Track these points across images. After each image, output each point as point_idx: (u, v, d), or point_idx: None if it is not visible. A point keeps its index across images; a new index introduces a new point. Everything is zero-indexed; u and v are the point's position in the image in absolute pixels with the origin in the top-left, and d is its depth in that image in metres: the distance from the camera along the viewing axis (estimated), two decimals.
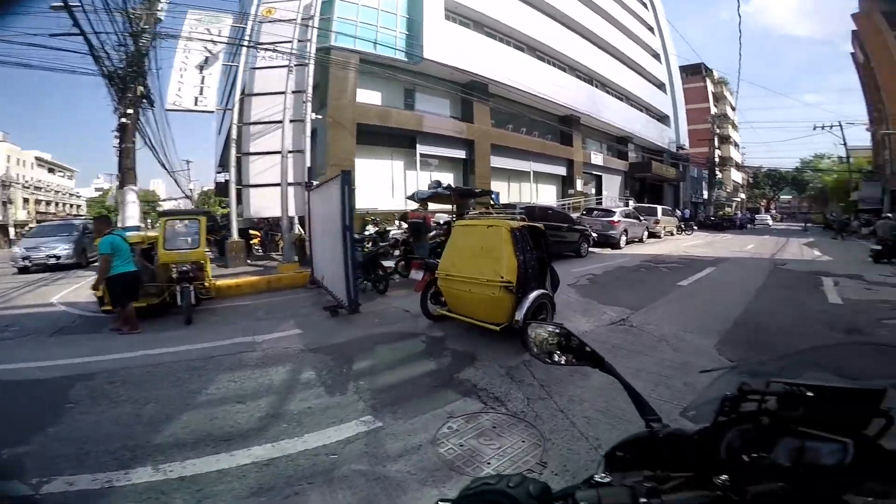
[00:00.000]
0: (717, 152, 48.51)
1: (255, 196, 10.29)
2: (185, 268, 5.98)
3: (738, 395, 0.70)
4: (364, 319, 5.77)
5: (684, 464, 0.70)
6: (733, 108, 55.19)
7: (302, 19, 10.64)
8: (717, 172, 48.72)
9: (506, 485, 0.58)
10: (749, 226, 37.01)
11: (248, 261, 11.27)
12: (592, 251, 13.49)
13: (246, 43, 10.65)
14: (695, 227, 24.44)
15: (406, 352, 4.55)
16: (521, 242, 4.41)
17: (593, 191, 25.72)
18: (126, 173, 9.01)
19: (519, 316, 4.19)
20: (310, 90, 10.43)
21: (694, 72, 47.56)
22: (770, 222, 40.71)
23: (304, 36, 10.63)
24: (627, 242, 15.75)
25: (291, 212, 9.73)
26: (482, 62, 17.68)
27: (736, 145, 53.82)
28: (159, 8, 9.46)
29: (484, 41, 18.59)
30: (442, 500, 0.60)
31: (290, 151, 9.89)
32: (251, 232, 13.64)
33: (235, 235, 10.68)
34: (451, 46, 16.47)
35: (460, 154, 18.10)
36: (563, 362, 0.95)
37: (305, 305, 6.80)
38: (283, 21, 10.57)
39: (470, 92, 17.65)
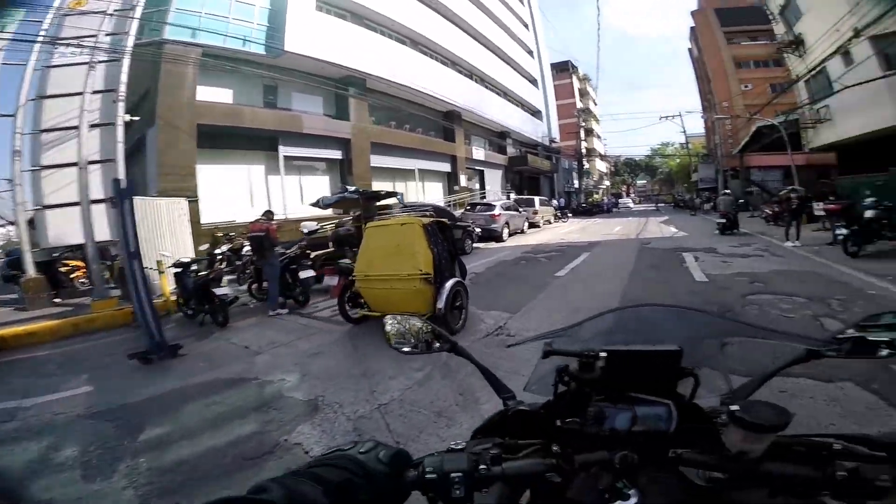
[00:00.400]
0: (584, 144, 53.96)
1: (53, 219, 7.97)
2: None
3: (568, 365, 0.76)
4: (185, 365, 4.56)
5: (535, 436, 0.74)
6: (595, 103, 61.96)
7: (119, 10, 8.64)
8: (585, 163, 54.23)
9: (357, 451, 0.61)
10: (614, 209, 41.63)
11: (58, 299, 8.85)
12: (477, 247, 13.44)
13: (41, 39, 8.32)
14: (569, 215, 26.47)
15: (226, 406, 3.50)
16: (433, 237, 4.75)
17: (477, 186, 26.32)
18: None
19: (440, 304, 4.53)
20: (123, 88, 8.42)
21: (562, 69, 51.21)
22: (631, 205, 46.53)
23: (122, 28, 8.66)
24: (510, 234, 16.10)
25: (104, 235, 7.68)
26: (359, 56, 16.66)
27: (599, 137, 60.33)
28: None
29: (362, 33, 17.54)
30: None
31: (94, 161, 7.82)
32: (70, 263, 10.85)
33: (31, 271, 8.22)
34: (322, 39, 15.18)
35: (335, 154, 16.85)
36: (419, 350, 0.95)
37: (116, 352, 5.23)
38: (94, 13, 8.45)
39: (345, 88, 16.49)
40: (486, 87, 27.73)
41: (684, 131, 38.04)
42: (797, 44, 15.12)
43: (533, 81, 36.41)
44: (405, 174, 20.79)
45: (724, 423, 0.61)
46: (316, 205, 9.69)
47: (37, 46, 8.53)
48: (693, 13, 37.09)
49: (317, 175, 16.73)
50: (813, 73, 14.23)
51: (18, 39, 8.71)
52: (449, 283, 4.68)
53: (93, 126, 8.01)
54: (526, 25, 36.66)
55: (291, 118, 15.20)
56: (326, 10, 16.24)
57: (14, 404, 3.78)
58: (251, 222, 6.81)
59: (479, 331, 4.90)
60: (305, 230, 8.47)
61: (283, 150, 15.05)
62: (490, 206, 16.03)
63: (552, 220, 23.62)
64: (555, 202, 29.09)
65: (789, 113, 16.96)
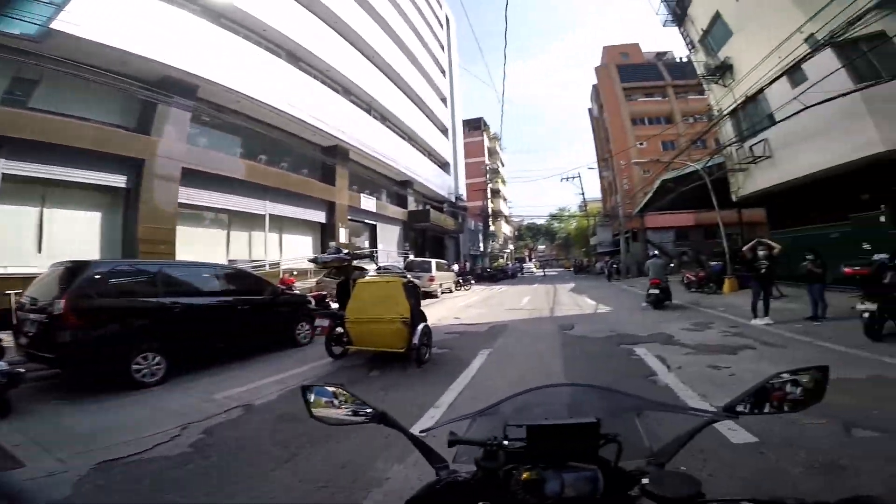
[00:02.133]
0: (491, 205, 53.18)
1: None
2: None
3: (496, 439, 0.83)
4: None
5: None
6: (503, 164, 62.85)
7: None
8: (491, 225, 53.18)
9: None
10: (519, 274, 39.67)
11: None
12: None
13: None
14: (472, 281, 22.75)
15: None
16: (410, 291, 6.24)
17: (366, 243, 21.67)
18: None
19: (416, 340, 5.82)
20: None
21: (474, 126, 50.60)
22: (534, 270, 45.22)
23: None
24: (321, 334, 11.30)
25: None
26: (189, 52, 11.76)
27: (505, 200, 60.54)
28: None
29: (198, 25, 12.61)
30: None
31: None
32: None
33: None
34: (132, 24, 10.34)
35: (114, 180, 10.94)
36: (347, 421, 0.96)
37: None
38: None
39: (155, 90, 11.17)
40: (389, 127, 24.16)
41: (582, 193, 38.11)
42: (723, 70, 13.22)
43: (444, 131, 34.19)
44: (251, 220, 15.29)
45: (636, 496, 0.66)
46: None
47: None
48: (596, 69, 38.93)
49: (77, 209, 10.60)
50: (738, 104, 12.21)
51: None
52: (420, 326, 5.99)
53: None
54: (443, 71, 35.08)
55: (31, 120, 9.34)
56: None
57: None
58: None
59: None
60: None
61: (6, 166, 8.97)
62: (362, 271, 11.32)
63: (453, 289, 19.60)
64: (457, 266, 25.53)
65: (713, 155, 15.00)
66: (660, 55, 41.23)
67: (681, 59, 41.19)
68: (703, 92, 34.77)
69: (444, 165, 33.66)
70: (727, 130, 14.06)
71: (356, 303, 6.09)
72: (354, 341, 6.09)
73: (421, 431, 1.05)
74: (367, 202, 21.08)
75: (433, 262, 17.88)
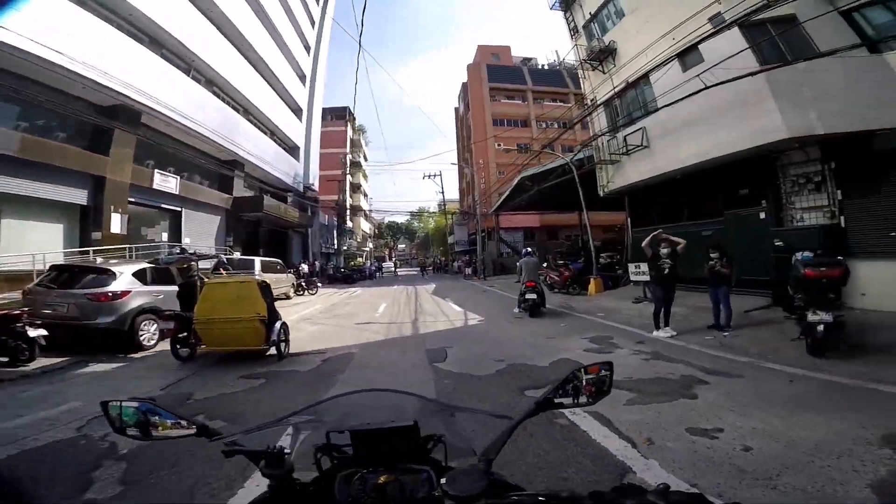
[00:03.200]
0: (349, 200, 48.80)
1: None
2: None
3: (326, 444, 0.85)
4: None
5: None
6: (366, 159, 58.64)
7: None
8: (349, 221, 48.88)
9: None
10: (378, 274, 36.70)
11: None
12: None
13: None
14: (319, 284, 18.76)
15: None
16: (264, 291, 6.13)
17: (165, 235, 15.85)
18: None
19: (274, 337, 5.96)
20: None
21: (338, 115, 45.98)
22: (394, 270, 42.16)
23: None
24: (164, 336, 7.17)
25: None
26: None
27: (366, 195, 56.64)
28: None
29: None
30: None
31: None
32: None
33: None
34: None
35: None
36: (160, 436, 0.87)
37: None
38: None
39: None
40: (217, 94, 18.59)
41: (442, 192, 37.00)
42: (606, 54, 12.11)
43: (297, 111, 28.96)
44: None
45: (441, 497, 0.68)
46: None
47: None
48: (468, 66, 39.41)
49: None
50: (617, 90, 11.40)
51: None
52: (277, 324, 6.14)
53: None
54: (308, 48, 29.75)
55: None
56: None
57: None
58: None
59: None
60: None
61: None
62: (102, 276, 6.86)
63: (291, 294, 15.47)
64: (305, 266, 21.17)
65: (584, 145, 13.98)
66: (525, 60, 43.55)
67: (542, 66, 44.35)
68: (557, 100, 37.84)
69: (292, 149, 28.56)
70: (600, 122, 13.25)
71: (206, 303, 5.95)
72: (206, 342, 6.04)
73: (222, 451, 0.89)
74: (165, 181, 15.28)
75: (257, 260, 13.65)
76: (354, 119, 53.24)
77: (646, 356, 5.37)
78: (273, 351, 6.09)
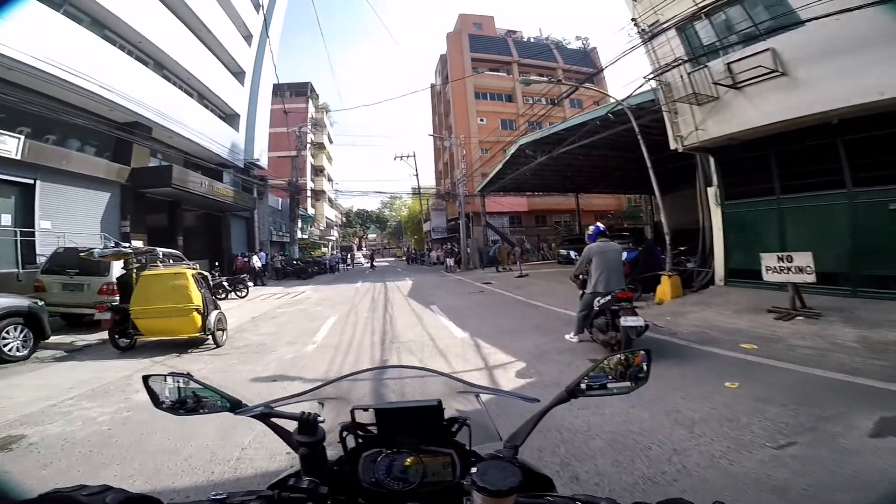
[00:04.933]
0: (311, 184, 43.19)
1: None
2: None
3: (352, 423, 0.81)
4: None
5: (333, 489, 0.73)
6: (331, 140, 52.77)
7: None
8: (311, 208, 43.34)
9: (80, 493, 0.56)
10: (343, 266, 31.73)
11: None
12: None
13: None
14: (250, 284, 13.81)
15: None
16: (200, 282, 6.56)
17: (6, 217, 10.56)
18: None
19: (210, 326, 6.26)
20: None
21: (299, 92, 41.91)
22: (370, 263, 35.63)
23: None
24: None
25: None
26: None
27: (330, 179, 51.00)
28: None
29: None
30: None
31: None
32: None
33: None
34: None
35: None
36: (199, 411, 0.87)
37: None
38: None
39: None
40: (104, 36, 13.35)
41: (416, 174, 32.21)
42: None
43: (238, 74, 23.69)
44: None
45: (469, 488, 0.63)
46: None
47: None
48: (448, 34, 36.49)
49: None
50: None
51: None
52: (214, 313, 6.43)
53: None
54: (258, 7, 24.08)
55: None
56: None
57: None
58: None
59: None
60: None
61: None
62: None
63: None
64: (256, 259, 16.03)
65: (656, 74, 8.99)
66: (510, 32, 40.62)
67: (529, 38, 40.60)
68: (544, 75, 33.34)
69: (230, 117, 23.20)
70: (664, 51, 8.62)
71: (142, 294, 6.06)
72: (144, 332, 6.21)
73: (236, 412, 0.88)
74: (5, 144, 10.00)
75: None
76: (317, 96, 47.71)
77: None
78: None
